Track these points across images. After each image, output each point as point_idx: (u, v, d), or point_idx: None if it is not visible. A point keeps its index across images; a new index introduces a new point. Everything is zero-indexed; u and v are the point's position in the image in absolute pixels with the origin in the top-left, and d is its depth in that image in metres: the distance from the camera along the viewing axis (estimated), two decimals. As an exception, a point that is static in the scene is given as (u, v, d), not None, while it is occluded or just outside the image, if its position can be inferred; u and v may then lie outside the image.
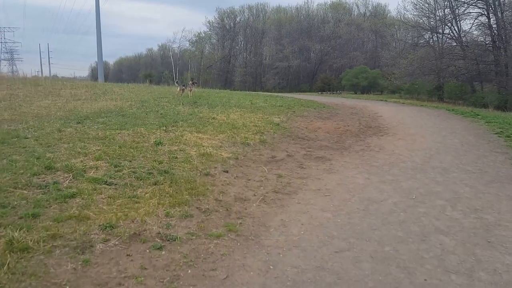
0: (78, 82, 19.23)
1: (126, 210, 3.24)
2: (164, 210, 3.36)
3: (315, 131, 8.74)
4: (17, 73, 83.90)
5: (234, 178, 4.66)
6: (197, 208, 3.53)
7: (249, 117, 9.31)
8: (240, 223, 3.34)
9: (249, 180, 4.67)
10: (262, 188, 4.41)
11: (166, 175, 4.23)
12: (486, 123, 11.06)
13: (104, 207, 3.26)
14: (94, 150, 4.89)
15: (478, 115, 13.18)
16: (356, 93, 36.33)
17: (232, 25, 54.39)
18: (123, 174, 4.11)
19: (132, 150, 5.10)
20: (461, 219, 3.72)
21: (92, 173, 4.05)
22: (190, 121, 7.96)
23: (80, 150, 4.84)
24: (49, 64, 74.92)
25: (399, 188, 4.69)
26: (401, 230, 3.40)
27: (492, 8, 27.98)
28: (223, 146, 6.05)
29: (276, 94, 23.38)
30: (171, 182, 4.01)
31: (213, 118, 8.60)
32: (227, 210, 3.61)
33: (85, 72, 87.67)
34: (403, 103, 19.92)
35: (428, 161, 6.24)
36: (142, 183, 3.93)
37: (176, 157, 5.05)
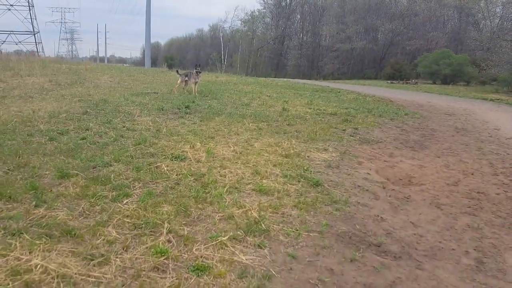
0: (65, 65, 15.77)
1: None
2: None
3: (407, 199, 3.74)
4: (76, 53, 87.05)
5: None
6: None
7: (262, 151, 4.54)
8: None
9: None
10: None
11: None
12: None
13: None
14: None
15: None
16: (435, 83, 29.25)
17: (288, 2, 48.53)
18: None
19: None
20: None
21: None
22: (115, 168, 3.47)
23: None
24: (105, 44, 75.52)
25: None
26: None
27: None
28: None
29: (332, 85, 18.03)
30: None
31: (179, 156, 4.00)
32: None
33: (139, 53, 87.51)
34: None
35: None
36: None
37: None
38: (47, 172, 3.27)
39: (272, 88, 11.98)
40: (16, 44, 53.91)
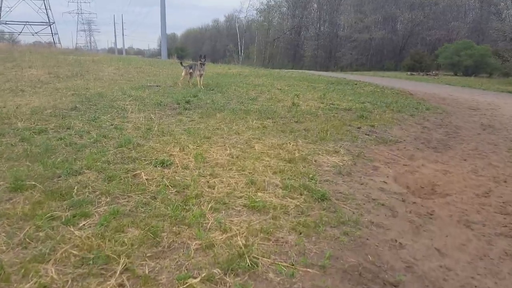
0: (88, 55, 15.42)
1: None
2: None
3: (430, 216, 3.08)
4: (95, 44, 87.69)
5: None
6: None
7: (262, 154, 3.96)
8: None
9: None
10: None
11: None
12: None
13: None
14: None
15: None
16: (456, 75, 27.85)
17: (305, -10, 47.15)
18: None
19: None
20: None
21: None
22: (84, 176, 2.96)
23: None
24: (123, 36, 75.76)
25: None
26: None
27: None
28: None
29: (349, 77, 17.19)
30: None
31: (164, 161, 3.47)
32: None
33: (156, 44, 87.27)
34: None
35: None
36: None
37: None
38: (1, 183, 2.78)
39: (284, 81, 11.31)
40: (33, 35, 54.47)
